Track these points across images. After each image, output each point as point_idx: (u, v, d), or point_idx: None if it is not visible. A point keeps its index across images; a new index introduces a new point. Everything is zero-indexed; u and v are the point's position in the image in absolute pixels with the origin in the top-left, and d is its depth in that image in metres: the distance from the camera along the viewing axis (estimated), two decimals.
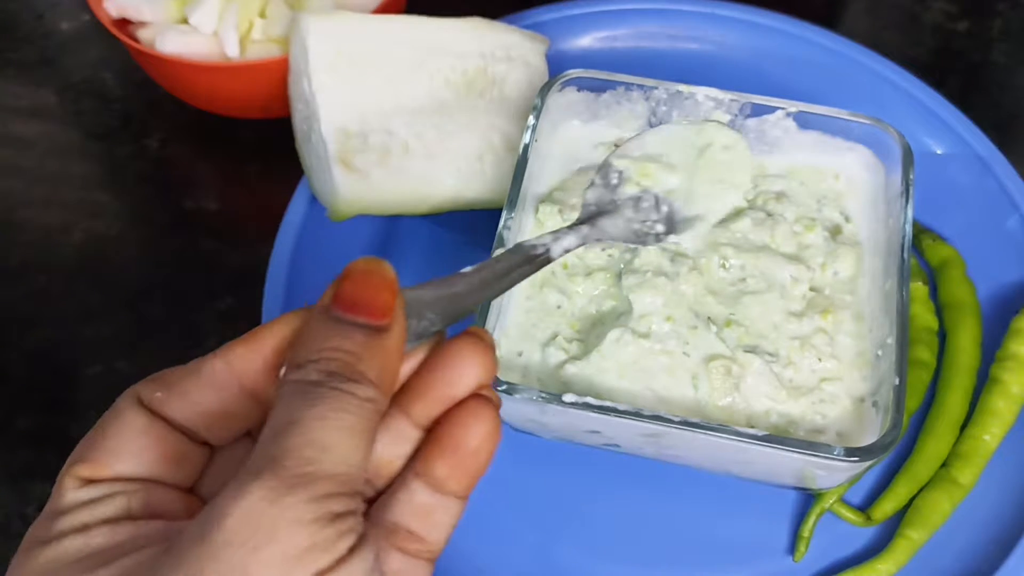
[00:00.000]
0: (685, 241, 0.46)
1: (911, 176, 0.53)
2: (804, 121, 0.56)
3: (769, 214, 0.55)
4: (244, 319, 0.62)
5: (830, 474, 0.47)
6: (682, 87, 0.57)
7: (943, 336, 0.58)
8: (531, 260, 0.39)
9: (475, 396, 0.32)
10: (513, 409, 0.50)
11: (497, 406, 0.32)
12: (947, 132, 0.65)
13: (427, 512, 0.31)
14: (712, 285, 0.53)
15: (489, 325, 0.49)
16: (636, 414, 0.46)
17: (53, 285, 0.65)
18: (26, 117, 0.73)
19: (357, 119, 0.57)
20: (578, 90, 0.58)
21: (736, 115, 0.57)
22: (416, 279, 0.61)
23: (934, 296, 0.59)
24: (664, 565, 0.52)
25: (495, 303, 0.50)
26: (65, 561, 0.29)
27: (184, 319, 0.63)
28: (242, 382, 0.33)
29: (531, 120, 0.55)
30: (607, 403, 0.46)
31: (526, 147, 0.54)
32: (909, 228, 0.51)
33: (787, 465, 0.47)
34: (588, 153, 0.59)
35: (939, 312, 0.58)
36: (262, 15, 0.65)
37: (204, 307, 0.63)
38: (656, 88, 0.57)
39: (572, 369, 0.50)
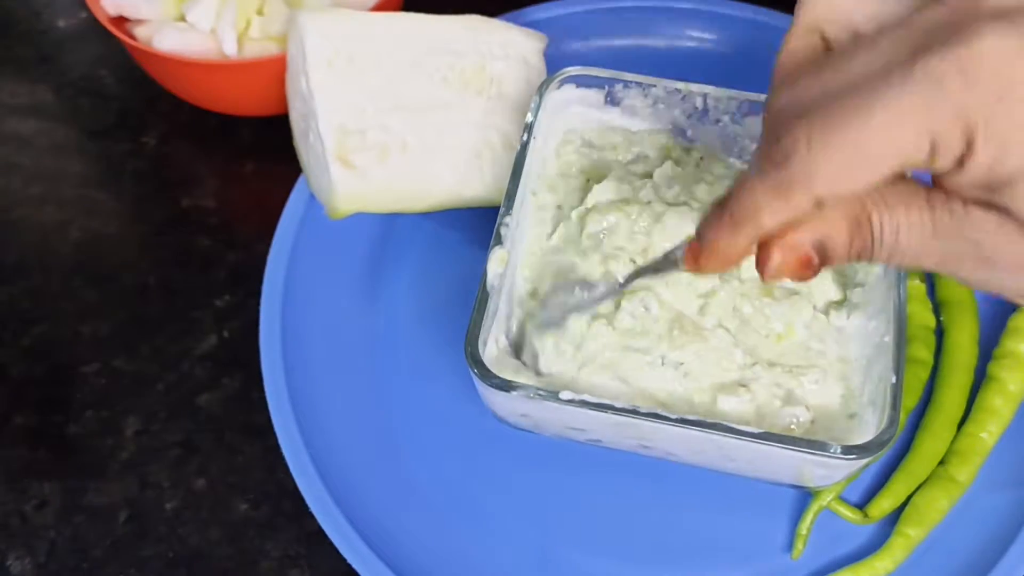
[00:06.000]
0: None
1: (909, 174, 0.53)
2: None
3: None
4: (242, 317, 0.62)
5: (827, 472, 0.47)
6: (681, 85, 0.57)
7: (941, 334, 0.58)
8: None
9: None
10: (506, 405, 0.50)
11: None
12: None
13: None
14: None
15: (486, 323, 0.49)
16: (632, 412, 0.46)
17: (50, 283, 0.65)
18: (23, 115, 0.73)
19: (355, 117, 0.57)
20: (577, 87, 0.58)
21: (734, 113, 0.57)
22: (414, 278, 0.62)
23: (932, 294, 0.59)
24: (662, 563, 0.53)
25: (492, 299, 0.50)
26: None
27: (182, 317, 0.63)
28: None
29: (530, 117, 0.55)
30: (603, 400, 0.46)
31: (524, 144, 0.54)
32: None
33: (783, 463, 0.47)
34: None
35: (937, 310, 0.59)
36: (260, 13, 0.65)
37: (202, 305, 0.63)
38: (655, 86, 0.57)
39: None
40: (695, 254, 0.39)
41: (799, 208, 0.34)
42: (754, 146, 0.58)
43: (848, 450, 0.45)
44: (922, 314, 0.57)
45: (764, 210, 0.35)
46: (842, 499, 0.53)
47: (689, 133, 0.59)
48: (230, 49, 0.64)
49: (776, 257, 0.37)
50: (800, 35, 0.37)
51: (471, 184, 0.60)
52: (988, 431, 0.54)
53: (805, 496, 0.54)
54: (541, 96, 0.56)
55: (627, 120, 0.59)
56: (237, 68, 0.63)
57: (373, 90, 0.58)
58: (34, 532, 0.56)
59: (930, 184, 0.34)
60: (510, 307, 0.53)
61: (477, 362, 0.47)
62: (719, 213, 0.37)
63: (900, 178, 0.34)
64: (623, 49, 0.71)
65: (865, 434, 0.47)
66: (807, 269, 0.37)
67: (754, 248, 0.37)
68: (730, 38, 0.70)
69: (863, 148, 0.31)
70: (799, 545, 0.52)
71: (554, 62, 0.62)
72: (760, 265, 0.38)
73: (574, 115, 0.59)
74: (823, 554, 0.53)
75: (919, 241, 0.34)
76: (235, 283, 0.64)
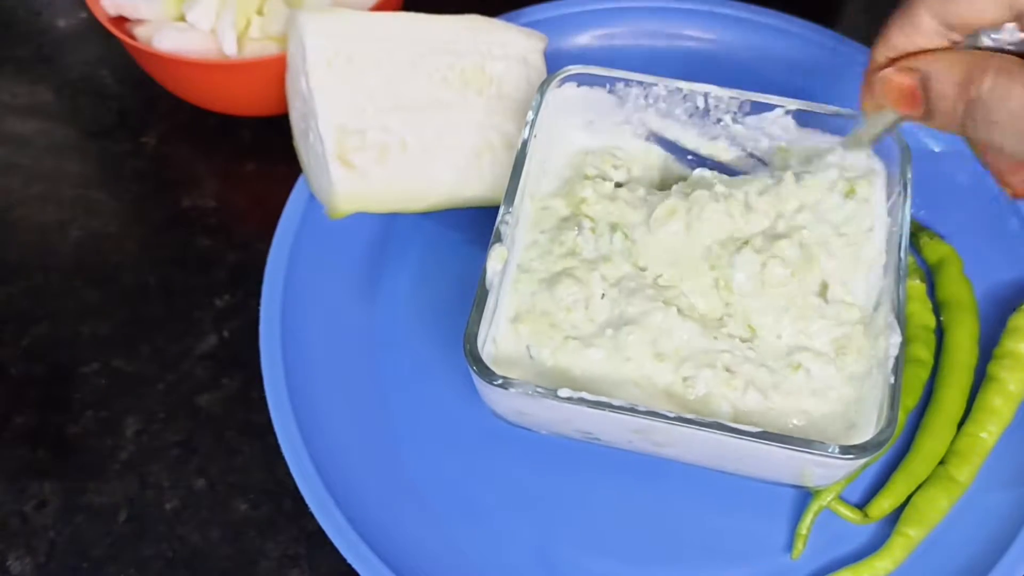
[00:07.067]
0: None
1: (909, 174, 0.53)
2: (803, 119, 0.56)
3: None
4: (242, 317, 0.62)
5: (825, 471, 0.47)
6: (681, 84, 0.57)
7: (941, 334, 0.58)
8: None
9: None
10: (504, 403, 0.50)
11: None
12: None
13: None
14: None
15: (485, 321, 0.49)
16: (631, 410, 0.46)
17: (50, 283, 0.65)
18: (23, 115, 0.73)
19: (355, 117, 0.57)
20: (577, 86, 0.58)
21: (735, 112, 0.57)
22: (414, 278, 0.62)
23: (931, 294, 0.59)
24: (662, 563, 0.53)
25: (491, 297, 0.50)
26: None
27: (181, 317, 0.63)
28: None
29: (530, 115, 0.55)
30: (602, 398, 0.46)
31: (525, 142, 0.54)
32: (906, 226, 0.51)
33: (781, 462, 0.47)
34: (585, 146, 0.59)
35: (937, 310, 0.59)
36: (260, 13, 0.65)
37: (202, 305, 0.63)
38: (655, 85, 0.57)
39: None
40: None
41: (923, 30, 0.43)
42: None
43: (846, 450, 0.45)
44: (922, 314, 0.57)
45: (893, 25, 0.44)
46: (842, 499, 0.53)
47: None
48: (230, 49, 0.64)
49: (887, 71, 0.44)
50: None
51: (471, 184, 0.60)
52: (988, 431, 0.54)
53: (805, 496, 0.54)
54: (542, 95, 0.56)
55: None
56: (237, 68, 0.63)
57: (373, 90, 0.58)
58: (34, 532, 0.56)
59: None
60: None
61: (476, 360, 0.47)
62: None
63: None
64: (623, 49, 0.71)
65: (864, 434, 0.47)
66: (910, 99, 0.43)
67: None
68: (730, 38, 0.70)
69: None
70: (799, 545, 0.52)
71: (554, 62, 0.62)
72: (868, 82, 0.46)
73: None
74: (823, 554, 0.53)
75: (1018, 107, 0.40)
76: (235, 283, 0.64)
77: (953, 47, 0.44)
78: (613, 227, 0.54)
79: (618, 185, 0.57)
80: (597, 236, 0.54)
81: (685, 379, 0.49)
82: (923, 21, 0.43)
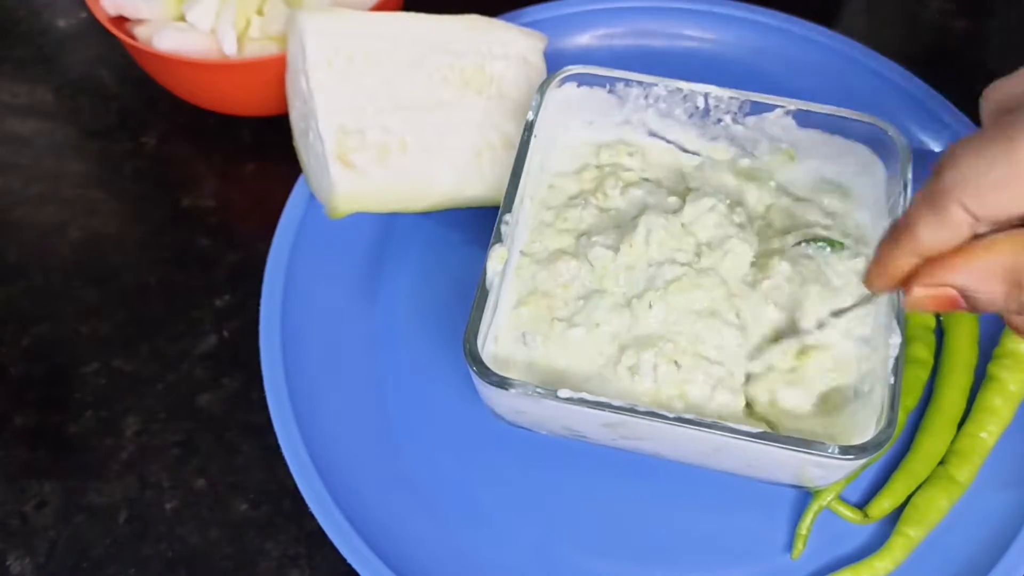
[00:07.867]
0: None
1: (909, 174, 0.53)
2: (803, 119, 0.56)
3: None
4: (242, 317, 0.62)
5: (824, 472, 0.47)
6: (681, 84, 0.57)
7: (941, 334, 0.58)
8: None
9: None
10: (503, 402, 0.50)
11: None
12: (945, 130, 0.65)
13: None
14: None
15: (485, 321, 0.49)
16: (630, 410, 0.46)
17: (50, 283, 0.65)
18: (23, 115, 0.73)
19: (355, 117, 0.57)
20: (577, 86, 0.58)
21: (736, 112, 0.57)
22: (414, 277, 0.62)
23: None
24: (662, 563, 0.53)
25: (491, 297, 0.50)
26: None
27: (181, 317, 0.63)
28: None
29: (530, 116, 0.55)
30: (601, 399, 0.46)
31: (525, 142, 0.54)
32: None
33: (781, 463, 0.47)
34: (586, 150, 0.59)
35: None
36: (260, 13, 0.65)
37: (202, 305, 0.63)
38: (655, 85, 0.57)
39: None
40: (868, 269, 0.41)
41: (953, 224, 0.36)
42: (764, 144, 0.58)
43: (846, 450, 0.45)
44: (922, 314, 0.57)
45: (919, 222, 0.37)
46: (842, 499, 0.53)
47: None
48: (230, 49, 0.64)
49: (917, 291, 0.39)
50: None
51: (471, 184, 0.60)
52: (988, 431, 0.54)
53: (805, 496, 0.54)
54: (542, 95, 0.56)
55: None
56: (237, 68, 0.63)
57: (373, 90, 0.58)
58: (34, 532, 0.56)
59: None
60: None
61: (475, 359, 0.47)
62: (890, 226, 0.39)
63: None
64: (623, 49, 0.71)
65: (863, 434, 0.47)
66: (953, 307, 0.39)
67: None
68: (730, 38, 0.70)
69: (1017, 163, 0.33)
70: (799, 545, 0.52)
71: (554, 62, 0.62)
72: (905, 291, 0.39)
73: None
74: (823, 554, 0.53)
75: None
76: (235, 283, 0.64)
77: (975, 238, 0.38)
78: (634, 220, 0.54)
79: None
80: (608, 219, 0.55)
81: (630, 367, 0.49)
82: (954, 216, 0.37)
